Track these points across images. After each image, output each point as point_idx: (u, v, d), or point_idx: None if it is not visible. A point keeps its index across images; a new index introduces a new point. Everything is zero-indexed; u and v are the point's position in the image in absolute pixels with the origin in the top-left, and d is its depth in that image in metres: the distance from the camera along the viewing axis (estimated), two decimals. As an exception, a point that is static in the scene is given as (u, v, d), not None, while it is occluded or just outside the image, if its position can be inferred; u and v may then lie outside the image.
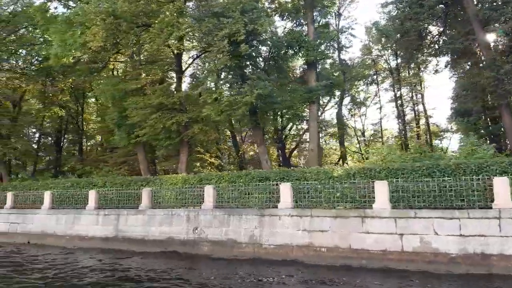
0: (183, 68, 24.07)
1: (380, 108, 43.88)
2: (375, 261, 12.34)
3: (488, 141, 27.22)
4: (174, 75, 25.40)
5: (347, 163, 37.52)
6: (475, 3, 23.93)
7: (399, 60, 40.00)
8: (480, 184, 12.47)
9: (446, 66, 28.01)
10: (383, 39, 39.67)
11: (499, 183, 11.56)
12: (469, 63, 29.84)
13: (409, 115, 42.28)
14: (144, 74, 22.59)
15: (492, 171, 12.92)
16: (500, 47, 21.30)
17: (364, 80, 41.74)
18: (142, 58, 24.09)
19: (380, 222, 12.68)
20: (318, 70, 24.06)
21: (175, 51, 22.11)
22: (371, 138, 46.16)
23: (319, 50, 21.83)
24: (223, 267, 13.15)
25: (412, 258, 11.96)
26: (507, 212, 11.14)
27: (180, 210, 16.58)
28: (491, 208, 11.53)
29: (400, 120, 41.96)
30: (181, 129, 21.78)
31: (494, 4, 22.46)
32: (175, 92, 22.01)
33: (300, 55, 21.64)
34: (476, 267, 11.07)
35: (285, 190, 14.64)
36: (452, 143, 40.73)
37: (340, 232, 13.16)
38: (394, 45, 37.67)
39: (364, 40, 41.98)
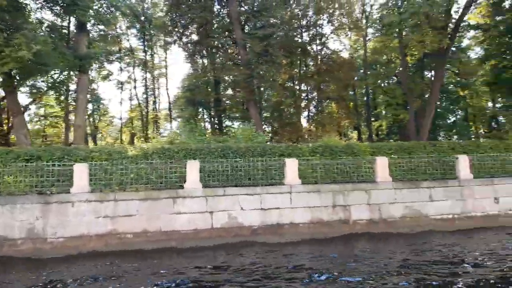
0: None
1: (122, 87, 42.88)
2: (187, 241, 12.23)
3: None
4: None
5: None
6: (239, 4, 26.96)
7: (145, 42, 40.26)
8: (263, 164, 14.44)
9: (202, 57, 30.17)
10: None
11: (289, 163, 13.74)
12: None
13: (143, 97, 43.03)
14: None
15: (273, 154, 15.18)
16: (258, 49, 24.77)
17: (107, 56, 39.48)
18: None
19: (192, 201, 12.65)
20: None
21: None
22: (103, 117, 44.04)
23: (96, 12, 18.95)
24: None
25: (221, 234, 12.58)
26: (296, 188, 13.42)
27: None
28: (283, 184, 13.57)
29: (133, 102, 42.41)
30: None
31: (255, 9, 25.92)
32: None
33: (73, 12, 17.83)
34: (272, 236, 12.80)
35: (80, 172, 12.28)
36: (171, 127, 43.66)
37: (150, 215, 12.27)
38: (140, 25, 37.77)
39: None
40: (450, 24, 22.22)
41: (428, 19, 21.15)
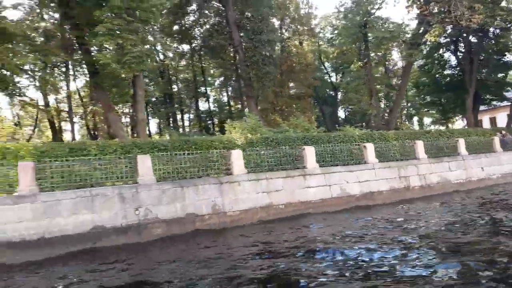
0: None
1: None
2: (317, 208, 15.70)
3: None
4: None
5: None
6: (235, 10, 29.82)
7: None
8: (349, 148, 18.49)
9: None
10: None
11: (369, 146, 18.08)
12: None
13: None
14: None
15: (336, 141, 19.28)
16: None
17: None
18: None
19: (315, 178, 16.11)
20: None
21: None
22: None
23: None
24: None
25: (338, 201, 16.34)
26: (376, 165, 17.85)
27: (106, 189, 12.23)
28: (367, 163, 17.86)
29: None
30: None
31: (250, 15, 29.08)
32: None
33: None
34: (368, 201, 17.06)
35: (237, 157, 14.77)
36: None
37: (291, 189, 15.38)
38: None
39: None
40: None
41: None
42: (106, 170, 13.13)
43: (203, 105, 46.68)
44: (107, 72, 15.50)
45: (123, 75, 17.91)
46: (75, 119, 36.33)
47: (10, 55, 14.27)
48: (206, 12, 31.14)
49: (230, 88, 43.84)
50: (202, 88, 44.57)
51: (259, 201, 14.58)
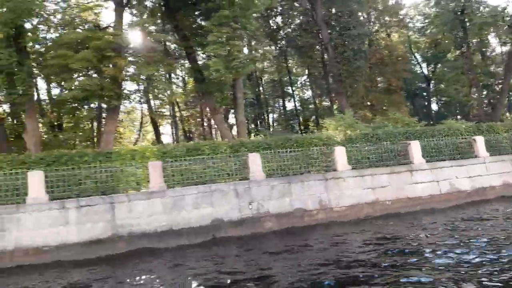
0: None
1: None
2: (425, 204, 15.25)
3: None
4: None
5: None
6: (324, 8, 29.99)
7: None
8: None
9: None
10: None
11: (478, 139, 17.09)
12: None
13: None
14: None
15: (440, 135, 18.43)
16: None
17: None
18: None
19: (422, 173, 15.67)
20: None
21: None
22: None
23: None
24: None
25: (447, 197, 15.70)
26: (488, 159, 16.81)
27: (224, 185, 13.27)
28: (477, 157, 16.89)
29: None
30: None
31: (339, 13, 28.96)
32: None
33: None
34: (480, 196, 16.12)
35: (341, 154, 14.96)
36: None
37: (397, 185, 15.15)
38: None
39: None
40: None
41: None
42: (217, 168, 14.24)
43: (287, 105, 47.34)
44: (212, 78, 16.73)
45: (225, 80, 19.07)
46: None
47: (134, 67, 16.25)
48: (292, 12, 31.60)
49: (314, 86, 43.87)
50: (287, 88, 45.19)
51: (363, 197, 14.61)
